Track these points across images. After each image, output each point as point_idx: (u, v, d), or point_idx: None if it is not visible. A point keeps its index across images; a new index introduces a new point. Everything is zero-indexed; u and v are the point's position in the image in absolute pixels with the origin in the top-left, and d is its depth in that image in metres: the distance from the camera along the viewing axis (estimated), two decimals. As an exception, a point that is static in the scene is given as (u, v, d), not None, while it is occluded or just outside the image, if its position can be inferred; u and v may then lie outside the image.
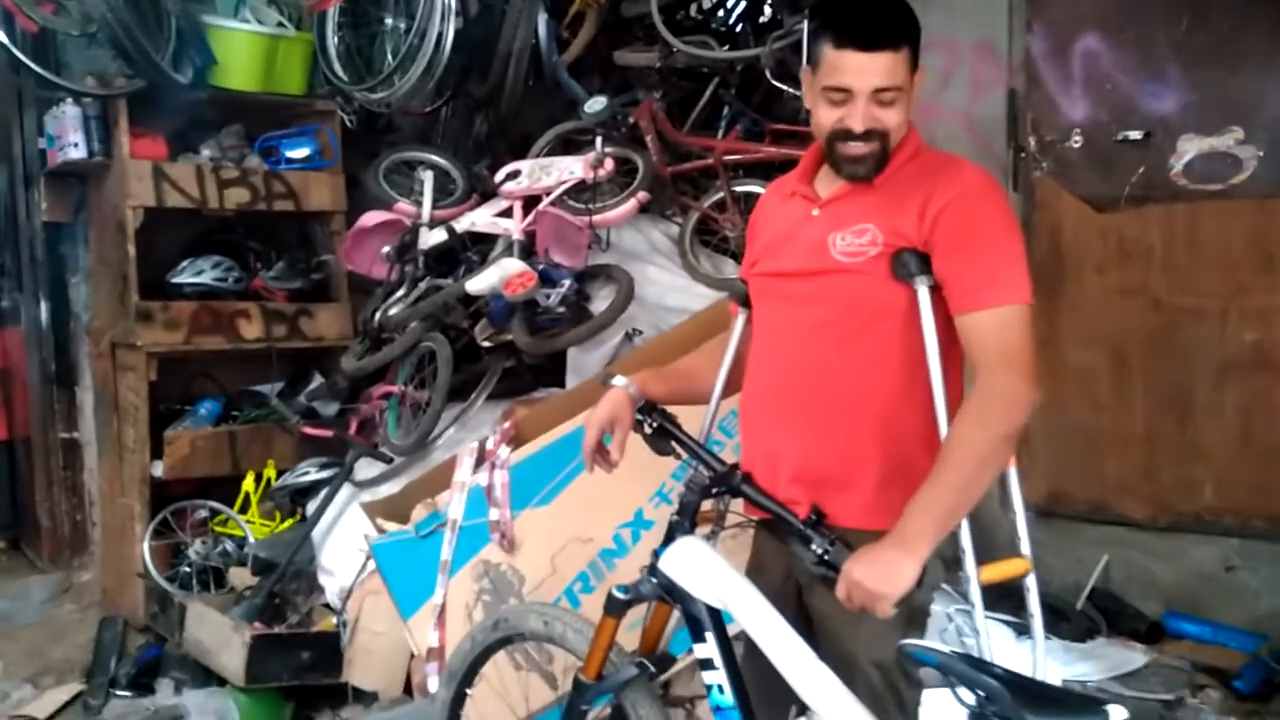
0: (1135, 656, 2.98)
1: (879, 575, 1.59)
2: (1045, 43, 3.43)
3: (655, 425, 2.05)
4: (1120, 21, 3.27)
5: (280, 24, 4.58)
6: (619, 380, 2.06)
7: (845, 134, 1.78)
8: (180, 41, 4.14)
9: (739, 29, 4.87)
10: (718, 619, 1.87)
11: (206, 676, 3.67)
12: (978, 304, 1.70)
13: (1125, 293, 3.32)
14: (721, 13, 5.09)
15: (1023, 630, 3.04)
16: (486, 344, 3.87)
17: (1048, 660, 2.90)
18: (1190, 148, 3.17)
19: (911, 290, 1.77)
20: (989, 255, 1.72)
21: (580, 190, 3.91)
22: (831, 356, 1.84)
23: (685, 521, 1.94)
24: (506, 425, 3.41)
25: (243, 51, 4.37)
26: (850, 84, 1.75)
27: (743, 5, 4.97)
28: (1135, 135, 3.25)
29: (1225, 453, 3.17)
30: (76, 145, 4.13)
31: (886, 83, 1.74)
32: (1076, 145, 3.39)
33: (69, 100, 4.12)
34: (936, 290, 1.76)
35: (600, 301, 3.70)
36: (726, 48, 4.44)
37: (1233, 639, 3.06)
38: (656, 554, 1.93)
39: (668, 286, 3.85)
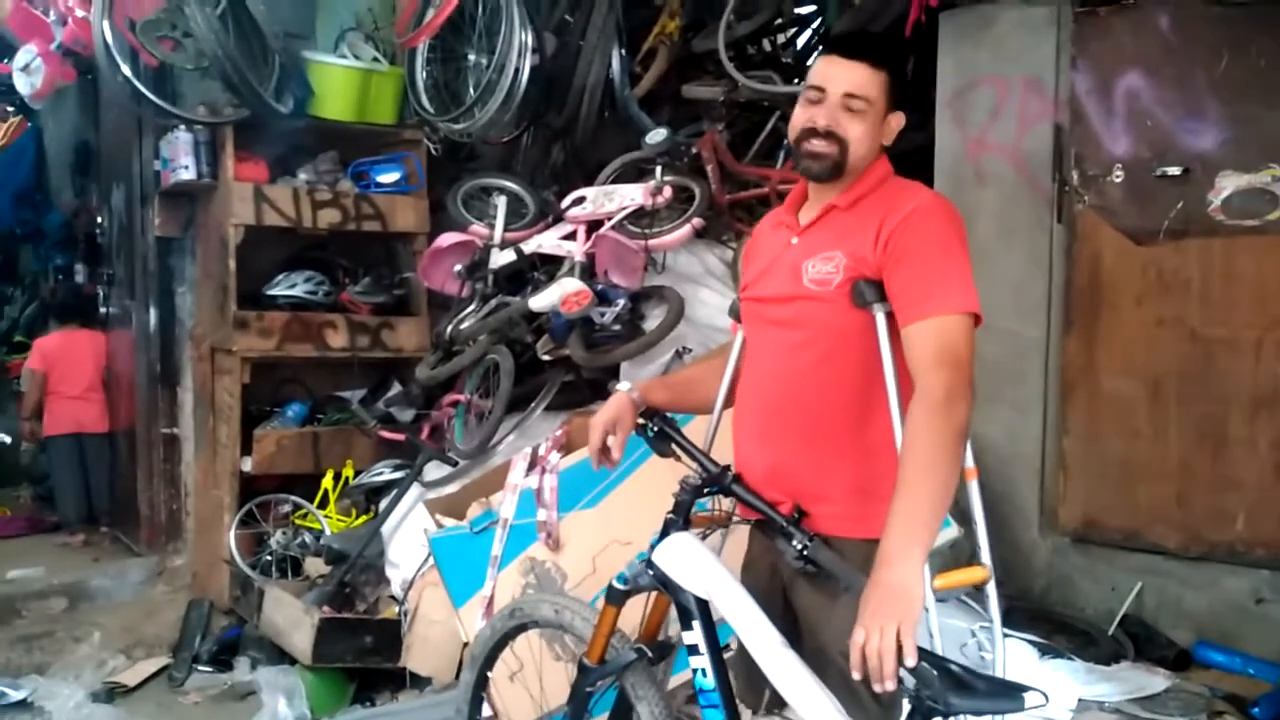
0: (1157, 681, 3.00)
1: (888, 605, 1.64)
2: (1089, 79, 3.49)
3: (656, 429, 2.23)
4: (1162, 60, 3.32)
5: (375, 59, 4.96)
6: (623, 386, 2.25)
7: (810, 131, 1.96)
8: (282, 75, 4.55)
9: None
10: (705, 609, 2.04)
11: (280, 657, 3.99)
12: (917, 315, 1.83)
13: (1162, 324, 3.35)
14: (791, 49, 5.28)
15: (1046, 650, 3.12)
16: (547, 357, 4.12)
17: (1068, 678, 3.00)
18: (1228, 184, 3.20)
19: (872, 316, 1.92)
20: (929, 269, 1.85)
21: (640, 216, 4.14)
22: (801, 377, 1.99)
23: (679, 519, 2.11)
24: (558, 433, 3.64)
25: (339, 84, 4.77)
26: (824, 83, 1.96)
27: (811, 42, 5.16)
28: (1174, 171, 3.29)
29: (1258, 484, 3.17)
30: (187, 168, 4.56)
31: (857, 90, 1.93)
32: (1118, 180, 3.44)
33: (182, 127, 4.57)
34: (893, 316, 1.90)
35: (653, 320, 3.91)
36: (797, 81, 4.61)
37: (1260, 670, 3.06)
38: (652, 548, 2.12)
39: (718, 308, 4.02)
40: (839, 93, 1.94)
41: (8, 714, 2.20)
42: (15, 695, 2.22)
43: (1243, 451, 3.20)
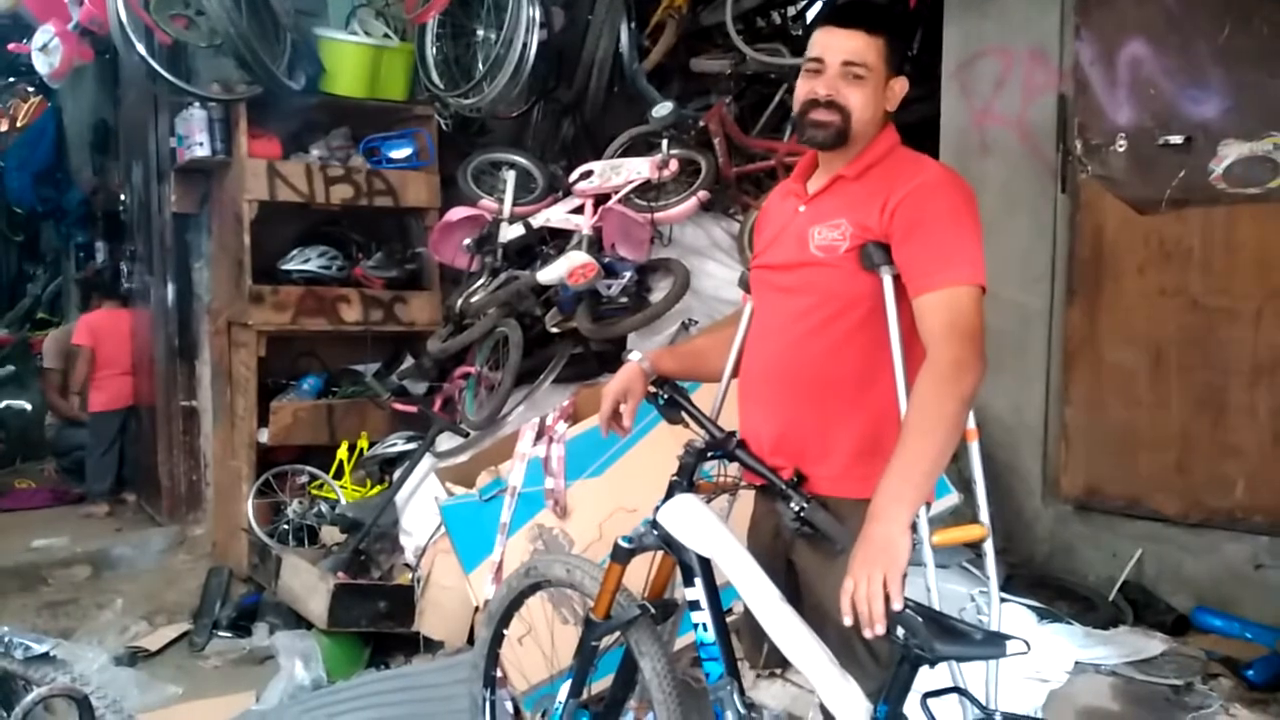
0: (1153, 644, 3.03)
1: (875, 556, 1.72)
2: (1093, 49, 3.49)
3: (666, 397, 2.29)
4: (1164, 29, 3.32)
5: (386, 35, 5.01)
6: (634, 355, 2.31)
7: (812, 102, 2.00)
8: (294, 52, 4.61)
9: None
10: (706, 567, 2.11)
11: (298, 622, 4.10)
12: (929, 286, 1.88)
13: (1164, 293, 3.36)
14: (799, 21, 5.28)
15: (1044, 614, 3.17)
16: (555, 330, 4.19)
17: (1065, 641, 3.04)
18: (1230, 152, 3.20)
19: (878, 280, 1.96)
20: (939, 241, 1.89)
21: (647, 189, 4.18)
22: (805, 342, 2.04)
23: (683, 481, 2.17)
24: (566, 404, 3.70)
25: (350, 61, 4.83)
26: (822, 53, 1.99)
27: (820, 14, 5.16)
28: (1177, 140, 3.29)
29: (1257, 452, 3.19)
30: (202, 144, 4.64)
31: (855, 58, 1.96)
32: (1120, 149, 3.45)
33: (196, 104, 4.64)
34: (900, 279, 1.94)
35: (659, 293, 3.96)
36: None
37: (1257, 634, 3.10)
38: (656, 509, 2.18)
39: (724, 281, 4.07)
40: (837, 61, 1.97)
41: (33, 665, 2.30)
42: (39, 649, 2.32)
43: (1243, 419, 3.22)
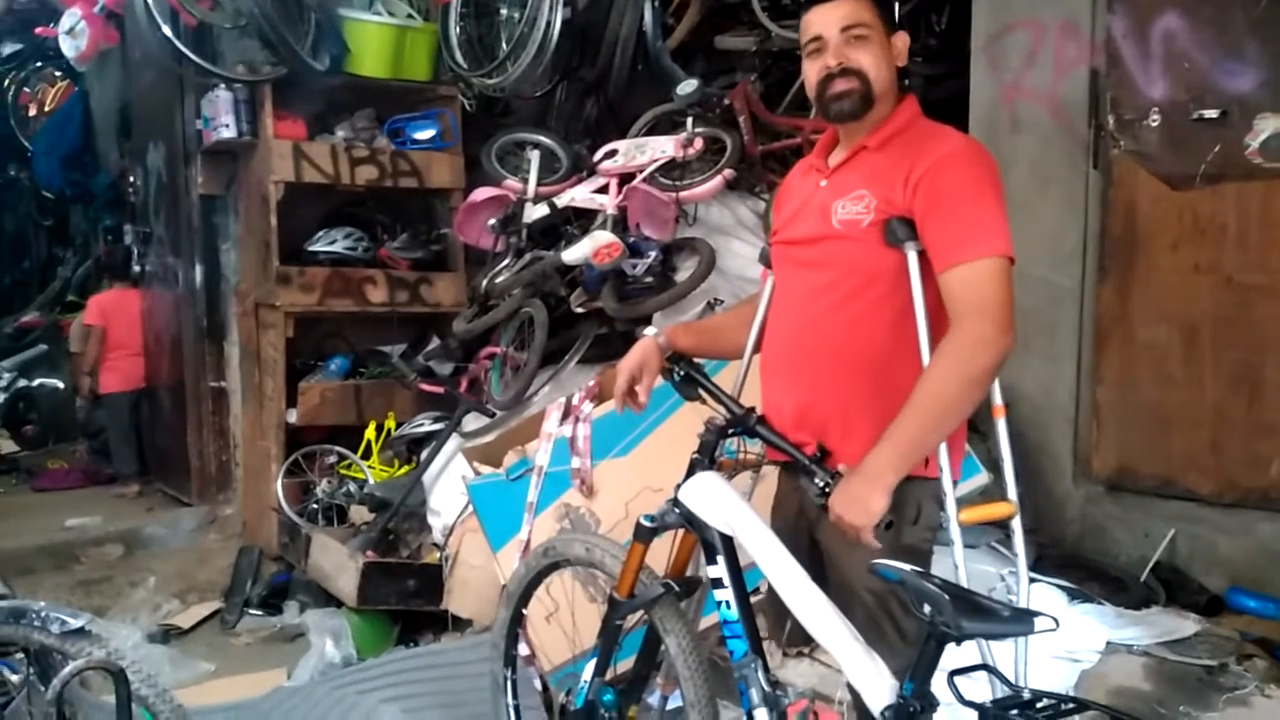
0: (1186, 625, 3.01)
1: (849, 508, 1.79)
2: (1126, 22, 3.44)
3: (683, 373, 2.27)
4: (1198, 1, 3.27)
5: (409, 15, 5.00)
6: (649, 330, 2.30)
7: (827, 77, 1.98)
8: (319, 33, 4.61)
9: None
10: (729, 544, 2.09)
11: (328, 600, 4.13)
12: (953, 260, 1.85)
13: (1198, 270, 3.31)
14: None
15: (1075, 595, 3.14)
16: (580, 310, 4.18)
17: (1096, 622, 3.02)
18: (1266, 126, 3.15)
19: (902, 255, 1.94)
20: (963, 215, 1.86)
21: (671, 168, 4.16)
22: (831, 317, 2.02)
23: (704, 459, 2.16)
24: (591, 383, 3.70)
25: (374, 41, 4.82)
26: (819, 30, 1.98)
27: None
28: (1211, 114, 3.24)
29: (1293, 431, 3.15)
30: (228, 126, 4.65)
31: (850, 20, 1.95)
32: (1154, 124, 3.39)
33: (222, 86, 4.65)
34: (924, 254, 1.92)
35: (684, 272, 3.94)
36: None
37: (1293, 615, 3.06)
38: (678, 487, 2.17)
39: (749, 260, 4.04)
40: (835, 31, 1.97)
41: (69, 640, 2.34)
42: (75, 623, 2.35)
43: (1278, 397, 3.18)
